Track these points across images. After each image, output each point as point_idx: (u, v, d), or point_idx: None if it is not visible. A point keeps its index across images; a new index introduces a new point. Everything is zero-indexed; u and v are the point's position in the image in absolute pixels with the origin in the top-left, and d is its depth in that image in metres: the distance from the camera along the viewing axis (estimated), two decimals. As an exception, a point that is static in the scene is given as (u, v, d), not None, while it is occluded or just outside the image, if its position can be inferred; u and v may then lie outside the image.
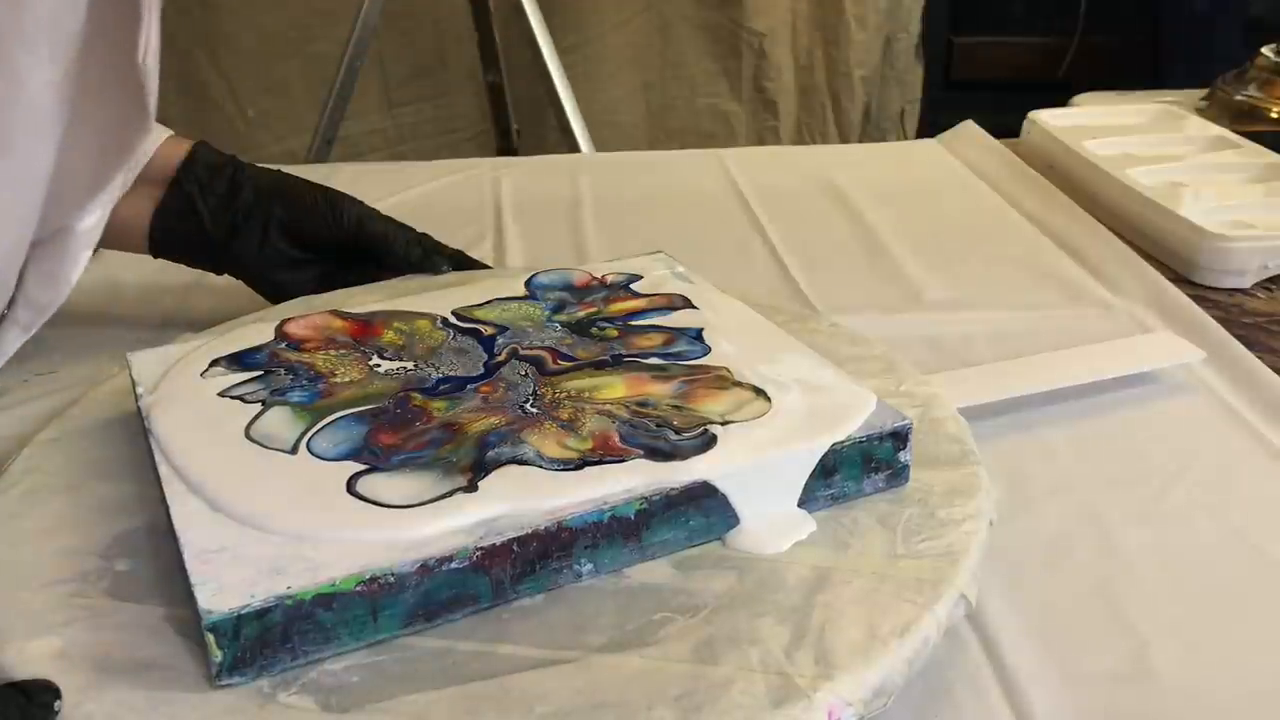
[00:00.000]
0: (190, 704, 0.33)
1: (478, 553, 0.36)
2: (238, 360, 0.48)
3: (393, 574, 0.35)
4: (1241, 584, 0.44)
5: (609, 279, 0.55)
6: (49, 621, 0.37)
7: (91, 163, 0.33)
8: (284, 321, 0.51)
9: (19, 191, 0.32)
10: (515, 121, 1.49)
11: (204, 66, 1.49)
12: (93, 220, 0.35)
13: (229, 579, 0.35)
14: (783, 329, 0.51)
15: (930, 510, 0.41)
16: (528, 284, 0.55)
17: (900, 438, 0.42)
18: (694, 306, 0.52)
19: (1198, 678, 0.39)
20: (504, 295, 0.54)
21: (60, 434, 0.48)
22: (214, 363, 0.48)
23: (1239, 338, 0.61)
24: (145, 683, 0.34)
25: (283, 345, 0.49)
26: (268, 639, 0.34)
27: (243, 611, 0.34)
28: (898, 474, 0.43)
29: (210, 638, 0.33)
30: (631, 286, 0.55)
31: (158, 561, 0.39)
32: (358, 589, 0.35)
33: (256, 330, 0.51)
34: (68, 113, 0.31)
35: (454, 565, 0.36)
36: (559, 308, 0.53)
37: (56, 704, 0.32)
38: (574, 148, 1.29)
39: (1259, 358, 0.59)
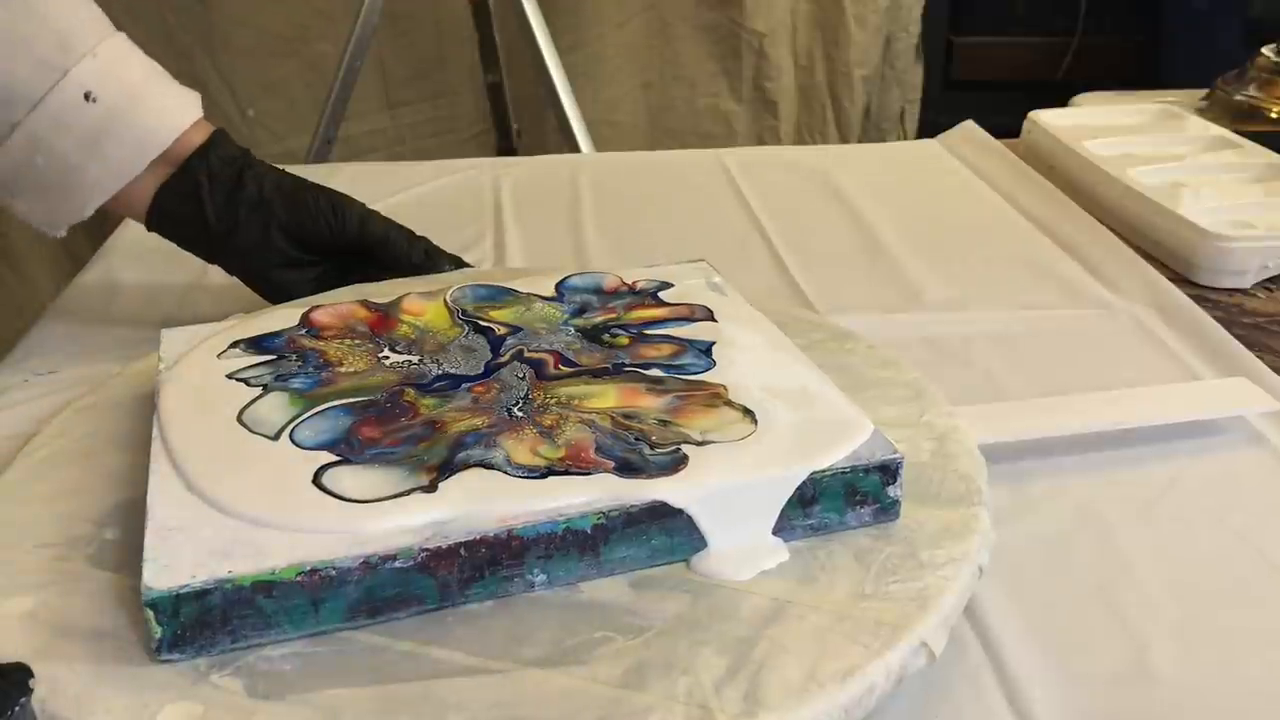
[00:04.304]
0: (129, 676, 0.34)
1: (423, 554, 0.36)
2: (256, 343, 0.49)
3: (334, 567, 0.35)
4: (1241, 585, 0.44)
5: (639, 285, 0.55)
6: (27, 582, 0.38)
7: None
8: (311, 308, 0.52)
9: None
10: (515, 121, 1.49)
11: (204, 66, 1.48)
12: None
13: (178, 557, 0.35)
14: (815, 346, 0.50)
15: (913, 550, 0.40)
16: (558, 285, 0.55)
17: (889, 471, 0.41)
18: (714, 319, 0.51)
19: (1197, 678, 0.39)
20: (533, 293, 0.54)
21: (94, 403, 0.49)
22: (234, 344, 0.48)
23: (1239, 338, 0.61)
24: (95, 651, 0.35)
25: (303, 332, 0.50)
26: (207, 620, 0.34)
27: (181, 591, 0.34)
28: (886, 509, 0.41)
29: (150, 614, 0.34)
30: (659, 295, 0.54)
31: (142, 533, 0.39)
32: (298, 579, 0.35)
33: (285, 315, 0.51)
34: None
35: (398, 564, 0.36)
36: (580, 311, 0.52)
37: (31, 681, 0.33)
38: (574, 148, 1.29)
39: (1259, 358, 0.59)
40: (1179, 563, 0.45)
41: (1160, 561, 0.44)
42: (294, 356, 0.48)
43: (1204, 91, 1.07)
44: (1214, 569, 0.44)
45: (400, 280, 0.59)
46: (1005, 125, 0.96)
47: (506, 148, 1.50)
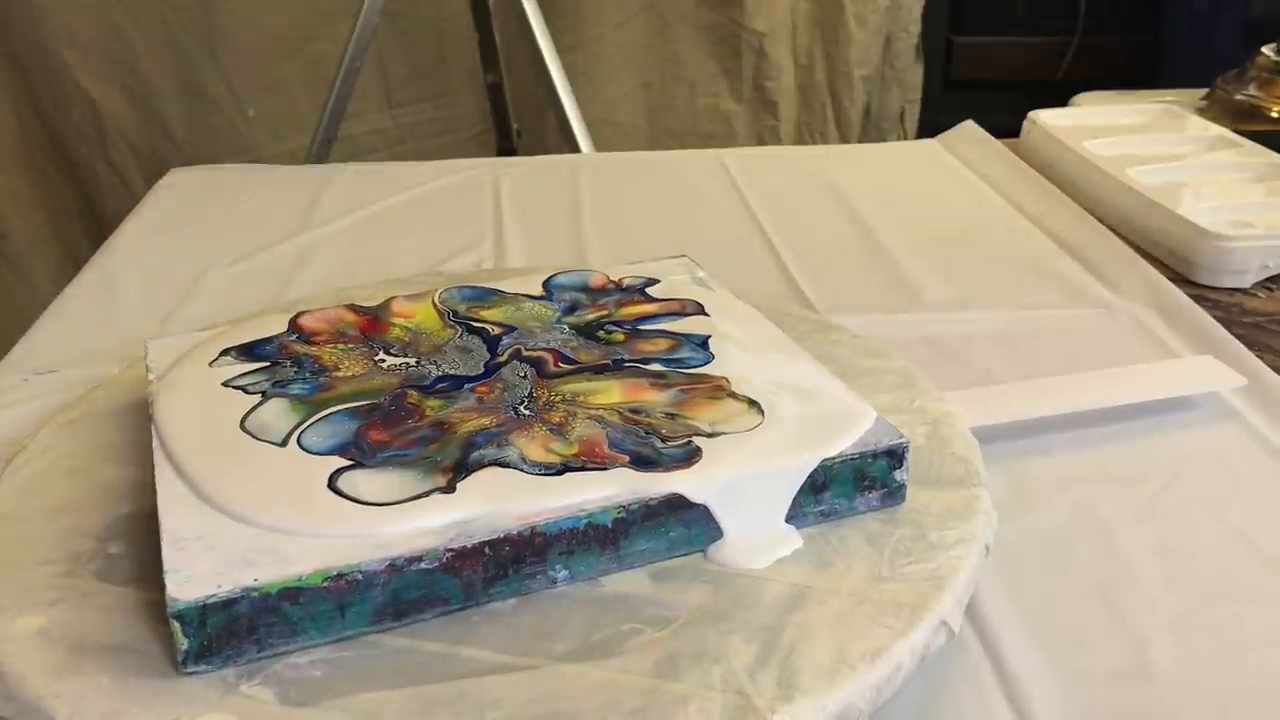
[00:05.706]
0: (155, 689, 0.34)
1: (448, 554, 0.36)
2: (247, 350, 0.48)
3: (360, 571, 0.35)
4: (1241, 582, 0.44)
5: (625, 282, 0.55)
6: (36, 600, 0.37)
7: None
8: (298, 314, 0.52)
9: None
10: (515, 121, 1.49)
11: (204, 66, 1.48)
12: None
13: (200, 568, 0.35)
14: (802, 339, 0.50)
15: (922, 532, 0.40)
16: (545, 284, 0.55)
17: (896, 456, 0.41)
18: (706, 313, 0.52)
19: (1197, 676, 0.39)
20: (520, 293, 0.54)
21: (79, 416, 0.49)
22: (224, 352, 0.48)
23: (1239, 338, 0.61)
24: (116, 666, 0.35)
25: (293, 337, 0.50)
26: (234, 629, 0.34)
27: (208, 601, 0.34)
28: (893, 493, 0.42)
29: (176, 625, 0.34)
30: (647, 290, 0.54)
31: (148, 546, 0.39)
32: (325, 585, 0.35)
33: (272, 321, 0.51)
34: None
35: (423, 565, 0.36)
36: (571, 309, 0.52)
37: None
38: (574, 148, 1.29)
39: (1259, 357, 0.59)
40: (1177, 556, 0.45)
41: (1159, 555, 0.44)
42: (288, 363, 0.47)
43: (1204, 91, 1.07)
44: (1209, 560, 0.44)
45: (384, 282, 0.59)
46: (1005, 125, 0.96)
47: (506, 148, 1.50)
